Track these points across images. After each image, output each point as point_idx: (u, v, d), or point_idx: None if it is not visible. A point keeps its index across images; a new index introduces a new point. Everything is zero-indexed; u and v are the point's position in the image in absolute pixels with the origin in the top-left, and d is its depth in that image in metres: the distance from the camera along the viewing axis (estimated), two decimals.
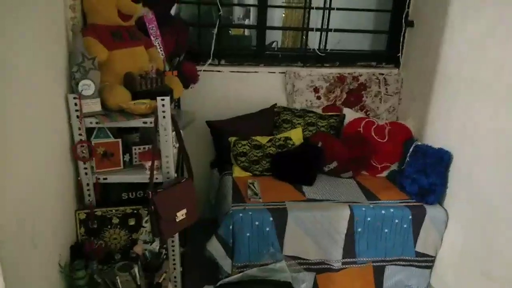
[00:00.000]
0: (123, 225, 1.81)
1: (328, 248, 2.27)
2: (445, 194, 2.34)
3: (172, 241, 1.91)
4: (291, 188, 2.44)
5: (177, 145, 1.89)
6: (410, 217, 2.27)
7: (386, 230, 2.28)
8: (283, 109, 2.84)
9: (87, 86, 1.63)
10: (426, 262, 2.38)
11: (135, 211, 1.81)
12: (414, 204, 2.32)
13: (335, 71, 2.91)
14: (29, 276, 1.27)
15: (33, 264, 1.30)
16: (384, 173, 2.70)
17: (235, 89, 2.87)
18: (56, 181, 1.54)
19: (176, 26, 2.31)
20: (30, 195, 1.28)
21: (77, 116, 1.63)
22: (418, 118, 2.68)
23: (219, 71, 2.82)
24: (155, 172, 1.74)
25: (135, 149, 1.86)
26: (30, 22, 1.30)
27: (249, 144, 2.58)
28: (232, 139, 2.61)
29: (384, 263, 2.35)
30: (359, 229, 2.25)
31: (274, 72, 2.89)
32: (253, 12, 5.38)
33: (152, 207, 1.63)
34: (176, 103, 2.61)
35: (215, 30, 2.73)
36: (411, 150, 2.51)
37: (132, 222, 1.81)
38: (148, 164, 1.75)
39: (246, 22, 5.91)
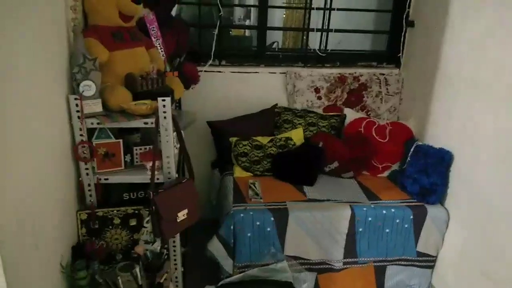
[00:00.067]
0: (124, 226, 1.81)
1: (329, 248, 2.27)
2: (446, 194, 2.34)
3: (173, 241, 1.91)
4: (292, 188, 2.44)
5: (178, 145, 1.90)
6: (411, 217, 2.27)
7: (387, 230, 2.28)
8: (284, 109, 2.85)
9: (88, 87, 1.64)
10: (427, 262, 2.38)
11: (136, 212, 1.81)
12: (415, 204, 2.32)
13: (335, 71, 2.91)
14: (30, 277, 1.28)
15: (34, 264, 1.30)
16: (385, 173, 2.70)
17: (236, 89, 2.87)
18: (57, 181, 1.55)
19: (177, 27, 2.32)
20: (31, 195, 1.29)
21: (78, 117, 1.64)
22: (419, 118, 2.68)
23: (220, 71, 2.82)
24: (156, 172, 1.75)
25: (136, 149, 1.86)
26: (31, 23, 1.31)
27: (250, 145, 2.58)
28: (233, 139, 2.61)
29: (385, 263, 2.35)
30: (360, 229, 2.25)
31: (274, 73, 2.89)
32: (253, 12, 5.38)
33: (153, 207, 1.63)
34: (177, 104, 2.61)
35: (216, 31, 2.74)
36: (412, 150, 2.51)
37: (133, 222, 1.82)
38: (149, 164, 1.75)
39: (247, 22, 5.91)
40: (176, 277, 2.00)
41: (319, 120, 2.78)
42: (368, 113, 2.98)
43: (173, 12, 2.49)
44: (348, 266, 2.32)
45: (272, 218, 2.16)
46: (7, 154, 1.12)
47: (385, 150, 2.65)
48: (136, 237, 1.83)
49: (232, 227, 2.14)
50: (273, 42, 4.12)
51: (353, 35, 3.16)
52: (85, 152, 1.69)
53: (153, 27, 2.05)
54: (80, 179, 1.74)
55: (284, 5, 4.77)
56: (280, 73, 2.89)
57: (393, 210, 2.26)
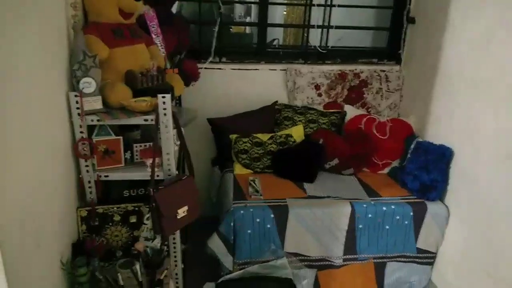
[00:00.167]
0: (125, 222, 1.82)
1: (329, 245, 2.27)
2: (446, 190, 2.34)
3: (174, 238, 1.92)
4: (292, 185, 2.44)
5: (178, 142, 1.90)
6: (411, 213, 2.27)
7: (387, 227, 2.28)
8: (284, 106, 2.85)
9: (88, 84, 1.64)
10: (427, 258, 2.38)
11: (137, 208, 1.81)
12: (415, 200, 2.32)
13: (336, 68, 2.91)
14: (31, 273, 1.28)
15: (35, 261, 1.31)
16: (386, 170, 2.70)
17: (236, 86, 2.87)
18: (57, 178, 1.55)
19: (177, 24, 2.31)
20: (31, 193, 1.29)
21: (78, 114, 1.64)
22: (419, 114, 2.67)
23: (220, 68, 2.82)
24: (156, 169, 1.74)
25: (136, 146, 1.86)
26: (31, 20, 1.31)
27: (250, 142, 2.58)
28: (233, 136, 2.61)
29: (385, 260, 2.36)
30: (360, 226, 2.26)
31: (275, 70, 2.89)
32: (254, 9, 5.37)
33: (153, 204, 1.63)
34: (177, 101, 2.61)
35: (216, 28, 2.73)
36: (412, 146, 2.51)
37: (133, 219, 1.82)
38: (149, 161, 1.76)
39: (247, 20, 5.90)
40: (176, 274, 2.00)
41: (320, 117, 2.78)
42: (369, 110, 2.98)
43: (174, 9, 2.49)
44: (348, 262, 2.32)
45: (272, 215, 2.17)
46: (7, 151, 1.12)
47: (385, 147, 2.65)
48: (136, 234, 1.83)
49: (232, 224, 2.14)
50: (274, 39, 4.11)
51: (354, 32, 3.15)
52: (85, 149, 1.70)
53: (153, 24, 2.05)
54: (80, 176, 1.74)
55: (285, 1, 4.75)
56: (281, 70, 2.89)
57: (393, 206, 2.27)
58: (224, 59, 2.84)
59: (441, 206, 2.32)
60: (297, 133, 2.69)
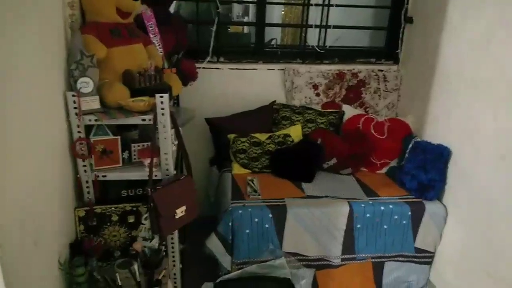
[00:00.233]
0: (123, 222, 1.81)
1: (327, 245, 2.27)
2: (444, 190, 2.34)
3: (172, 238, 1.91)
4: (290, 185, 2.44)
5: (176, 142, 1.89)
6: (409, 213, 2.27)
7: (385, 226, 2.28)
8: (282, 106, 2.85)
9: (86, 84, 1.64)
10: (426, 258, 2.39)
11: (135, 208, 1.81)
12: (413, 200, 2.33)
13: (334, 67, 2.91)
14: (29, 274, 1.28)
15: (33, 261, 1.30)
16: (384, 170, 2.70)
17: (234, 86, 2.87)
18: (55, 178, 1.54)
19: (175, 24, 2.31)
20: (29, 193, 1.28)
21: (76, 114, 1.63)
22: (417, 114, 2.68)
23: (218, 68, 2.82)
24: (154, 169, 1.74)
25: (134, 146, 1.86)
26: (28, 20, 1.30)
27: (248, 141, 2.58)
28: (231, 136, 2.61)
29: (384, 259, 2.36)
30: (358, 226, 2.26)
31: (273, 69, 2.89)
32: (252, 9, 5.37)
33: (151, 204, 1.63)
34: (175, 101, 2.61)
35: (214, 28, 2.73)
36: (410, 146, 2.51)
37: (131, 219, 1.81)
38: (147, 161, 1.75)
39: (245, 19, 5.90)
40: (175, 274, 2.00)
41: (318, 116, 2.79)
42: (367, 110, 2.98)
43: (172, 9, 2.48)
44: (346, 262, 2.32)
45: (271, 215, 2.17)
46: (6, 151, 1.12)
47: (383, 147, 2.65)
48: (134, 234, 1.82)
49: (230, 224, 2.14)
50: (272, 39, 4.12)
51: (352, 32, 3.16)
52: (83, 149, 1.69)
53: (151, 24, 2.04)
54: (78, 176, 1.74)
55: (283, 1, 4.75)
56: (278, 69, 2.89)
57: (391, 206, 2.27)
58: (222, 59, 2.84)
59: (439, 205, 2.32)
60: (295, 132, 2.69)
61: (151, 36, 2.03)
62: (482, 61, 2.09)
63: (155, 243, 1.75)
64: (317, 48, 2.92)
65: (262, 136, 2.63)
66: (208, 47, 2.74)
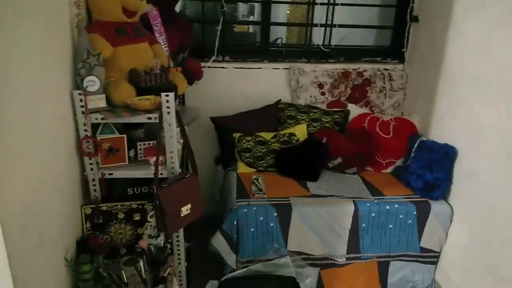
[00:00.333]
0: (128, 220, 1.82)
1: (332, 244, 2.27)
2: (450, 189, 2.33)
3: (177, 236, 1.92)
4: (295, 184, 2.44)
5: (182, 140, 1.90)
6: (415, 212, 2.27)
7: (390, 226, 2.28)
8: (287, 105, 2.85)
9: (92, 82, 1.65)
10: (431, 257, 2.38)
11: (140, 206, 1.82)
12: (419, 199, 2.32)
13: (339, 66, 2.90)
14: (35, 270, 1.29)
15: (39, 258, 1.31)
16: (389, 169, 2.69)
17: (239, 85, 2.87)
18: (62, 176, 1.56)
19: (180, 23, 2.32)
20: (36, 191, 1.30)
21: (82, 112, 1.64)
22: (423, 113, 2.67)
23: (223, 67, 2.82)
24: (159, 167, 1.75)
25: (140, 144, 1.87)
26: (35, 19, 1.31)
27: (253, 140, 2.59)
28: (237, 135, 2.62)
29: (389, 259, 2.36)
30: (364, 225, 2.25)
31: (278, 68, 2.89)
32: (257, 9, 5.37)
33: (157, 202, 1.64)
34: (181, 99, 2.62)
35: (219, 27, 2.74)
36: (416, 145, 2.50)
37: (137, 217, 1.83)
38: (152, 159, 1.76)
39: (251, 19, 5.90)
40: (180, 272, 2.01)
41: (323, 115, 2.78)
42: (372, 109, 2.98)
43: (178, 9, 2.49)
44: (351, 261, 2.32)
45: (276, 214, 2.17)
46: (13, 149, 1.13)
47: (389, 146, 2.64)
48: (140, 232, 1.84)
49: (235, 223, 2.15)
50: (277, 39, 4.11)
51: (357, 31, 3.15)
52: (89, 147, 1.70)
53: (157, 23, 2.05)
54: (85, 174, 1.75)
55: (288, 0, 4.75)
56: (284, 68, 2.89)
57: (396, 205, 2.26)
58: (227, 58, 2.84)
59: (444, 205, 2.31)
60: (300, 132, 2.69)
61: (157, 35, 2.04)
62: (486, 61, 2.08)
63: (160, 240, 1.76)
64: (322, 47, 2.91)
65: (267, 135, 2.63)
66: (214, 46, 2.75)
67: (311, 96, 2.90)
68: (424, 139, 2.52)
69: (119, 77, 1.78)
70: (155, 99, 1.70)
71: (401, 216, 2.27)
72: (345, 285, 2.34)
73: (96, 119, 1.68)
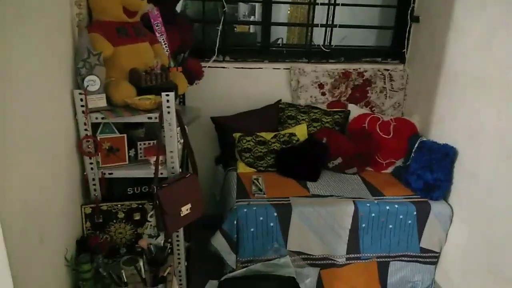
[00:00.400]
0: (128, 220, 1.82)
1: (332, 244, 2.27)
2: (450, 189, 2.33)
3: (177, 236, 1.92)
4: (295, 184, 2.44)
5: (182, 140, 1.90)
6: (415, 213, 2.27)
7: (390, 226, 2.28)
8: (287, 105, 2.85)
9: (93, 82, 1.65)
10: (431, 258, 2.38)
11: (140, 206, 1.82)
12: (419, 200, 2.32)
13: (340, 67, 2.90)
14: (35, 270, 1.29)
15: (39, 257, 1.32)
16: (389, 169, 2.69)
17: (239, 85, 2.87)
18: (62, 176, 1.56)
19: (181, 23, 2.32)
20: (36, 190, 1.30)
21: (83, 112, 1.65)
22: (423, 114, 2.67)
23: (223, 67, 2.82)
24: (160, 167, 1.75)
25: (140, 144, 1.87)
26: (35, 19, 1.32)
27: (253, 140, 2.59)
28: (237, 135, 2.62)
29: (389, 259, 2.36)
30: (364, 225, 2.25)
31: (278, 68, 2.89)
32: (258, 9, 5.38)
33: (157, 201, 1.64)
34: (181, 99, 2.62)
35: (220, 27, 2.74)
36: (416, 146, 2.50)
37: (137, 216, 1.83)
38: (153, 159, 1.76)
39: (252, 19, 5.91)
40: (180, 271, 2.01)
41: (323, 116, 2.78)
42: (372, 109, 2.98)
43: (178, 8, 2.49)
44: (351, 261, 2.32)
45: (276, 214, 2.17)
46: (13, 150, 1.13)
47: (389, 146, 2.64)
48: (140, 231, 1.84)
49: (235, 222, 2.15)
50: (278, 39, 4.12)
51: (358, 31, 3.15)
52: (89, 146, 1.71)
53: (157, 23, 2.05)
54: (85, 173, 1.75)
55: (289, 0, 4.75)
56: (284, 68, 2.89)
57: (396, 206, 2.26)
58: (228, 58, 2.85)
59: (445, 205, 2.31)
60: (301, 132, 2.69)
61: (157, 35, 2.04)
62: (487, 61, 2.08)
63: (160, 240, 1.76)
64: (323, 47, 2.91)
65: (267, 135, 2.63)
66: (214, 46, 2.75)
67: (311, 96, 2.90)
68: (424, 139, 2.52)
69: (119, 77, 1.78)
70: (156, 98, 1.70)
71: (401, 217, 2.27)
72: (345, 285, 2.34)
73: (97, 118, 1.68)
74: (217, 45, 2.75)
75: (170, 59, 2.11)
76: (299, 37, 4.48)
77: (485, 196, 2.06)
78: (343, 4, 2.86)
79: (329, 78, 2.87)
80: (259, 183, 2.38)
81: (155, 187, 1.64)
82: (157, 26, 2.05)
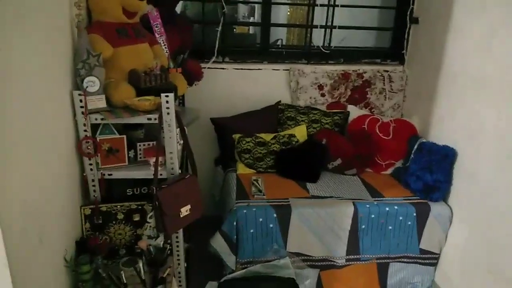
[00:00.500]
0: (128, 221, 1.82)
1: (332, 245, 2.27)
2: (449, 191, 2.33)
3: (176, 237, 1.92)
4: (295, 185, 2.44)
5: (181, 141, 1.90)
6: (414, 214, 2.27)
7: (390, 227, 2.28)
8: (287, 106, 2.85)
9: (92, 83, 1.65)
10: (430, 259, 2.38)
11: (140, 207, 1.82)
12: (419, 201, 2.32)
13: (339, 68, 2.91)
14: (35, 271, 1.29)
15: (38, 258, 1.31)
16: (389, 170, 2.69)
17: (239, 86, 2.87)
18: (61, 177, 1.56)
19: (180, 24, 2.32)
20: (36, 190, 1.30)
21: (82, 113, 1.64)
22: (423, 115, 2.67)
23: (223, 68, 2.82)
24: (159, 168, 1.75)
25: (139, 145, 1.87)
26: (35, 20, 1.32)
27: (253, 141, 2.59)
28: (236, 136, 2.62)
29: (388, 260, 2.36)
30: (363, 226, 2.25)
31: (278, 69, 2.89)
32: (258, 10, 5.38)
33: (156, 202, 1.64)
34: (180, 100, 2.62)
35: (220, 28, 2.74)
36: (415, 147, 2.50)
37: (136, 217, 1.82)
38: (152, 160, 1.76)
39: (251, 20, 5.91)
40: (179, 272, 2.01)
41: (323, 117, 2.78)
42: (372, 110, 2.98)
43: (178, 9, 2.49)
44: (350, 263, 2.32)
45: (275, 215, 2.17)
46: (13, 150, 1.13)
47: (388, 147, 2.64)
48: (140, 232, 1.84)
49: (235, 224, 2.15)
50: (277, 40, 4.12)
51: (357, 32, 3.16)
52: (89, 147, 1.70)
53: (157, 24, 2.06)
54: (84, 174, 1.75)
55: (288, 1, 4.75)
56: (284, 70, 2.89)
57: (396, 207, 2.26)
58: (227, 59, 2.85)
59: (444, 206, 2.31)
60: (300, 133, 2.69)
61: (157, 36, 2.05)
62: (486, 61, 2.09)
63: (160, 241, 1.76)
64: (322, 49, 2.92)
65: (267, 136, 2.63)
66: (214, 47, 2.75)
67: (311, 97, 2.90)
68: (424, 140, 2.52)
69: (119, 78, 1.78)
70: (155, 99, 1.70)
71: (400, 218, 2.27)
72: (345, 286, 2.34)
73: (96, 119, 1.68)
74: (217, 46, 2.75)
75: (170, 60, 2.11)
76: (299, 38, 4.47)
77: (485, 196, 2.06)
78: (342, 5, 2.87)
79: (329, 79, 2.87)
80: (258, 184, 2.38)
81: (154, 188, 1.64)
82: (156, 27, 2.05)
